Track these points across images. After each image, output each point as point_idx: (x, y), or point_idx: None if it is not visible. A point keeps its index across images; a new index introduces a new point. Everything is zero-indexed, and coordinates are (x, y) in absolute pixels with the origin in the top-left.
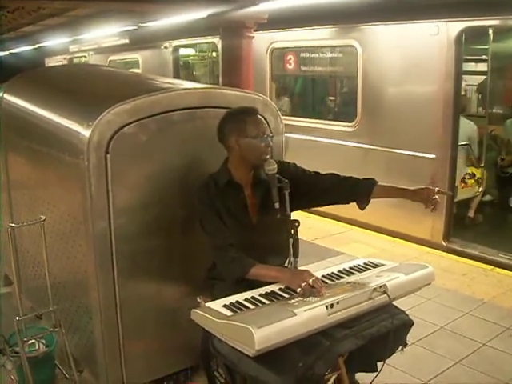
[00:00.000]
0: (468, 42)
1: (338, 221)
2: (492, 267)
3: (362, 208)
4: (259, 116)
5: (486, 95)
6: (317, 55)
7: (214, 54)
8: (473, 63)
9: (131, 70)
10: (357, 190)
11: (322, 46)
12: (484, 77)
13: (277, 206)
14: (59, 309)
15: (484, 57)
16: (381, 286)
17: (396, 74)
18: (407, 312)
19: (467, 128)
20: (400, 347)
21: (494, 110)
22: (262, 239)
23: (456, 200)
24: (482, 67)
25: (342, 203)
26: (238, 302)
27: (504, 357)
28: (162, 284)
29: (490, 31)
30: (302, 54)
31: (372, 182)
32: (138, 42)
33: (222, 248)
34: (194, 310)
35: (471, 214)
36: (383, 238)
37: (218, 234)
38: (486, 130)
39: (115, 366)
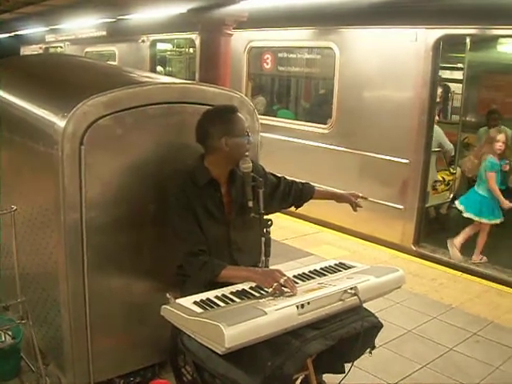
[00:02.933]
0: (445, 50)
1: (309, 222)
2: (461, 273)
3: (297, 208)
4: (240, 114)
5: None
6: (294, 56)
7: (192, 50)
8: (448, 71)
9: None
10: (303, 195)
11: (300, 47)
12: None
13: (250, 204)
14: (27, 300)
15: (460, 65)
16: (352, 288)
17: (373, 78)
18: (376, 315)
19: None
20: (368, 349)
21: (467, 118)
22: (236, 237)
23: (427, 205)
24: (458, 75)
25: (289, 207)
26: (208, 299)
27: (470, 361)
28: (132, 279)
29: (468, 40)
30: (280, 54)
31: (311, 187)
32: (116, 34)
33: (192, 253)
34: (164, 306)
35: (444, 211)
36: (354, 240)
37: (190, 238)
38: (458, 137)
39: (82, 360)
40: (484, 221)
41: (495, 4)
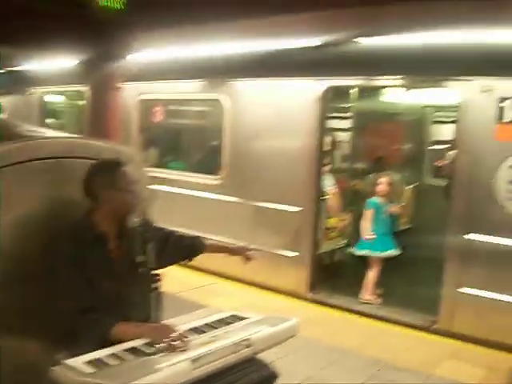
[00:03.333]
0: (333, 100)
1: (206, 273)
2: (356, 316)
3: (189, 261)
4: (127, 168)
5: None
6: (185, 108)
7: (82, 102)
8: (336, 120)
9: None
10: (193, 249)
11: (190, 99)
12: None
13: (140, 258)
14: None
15: (349, 114)
16: (245, 340)
17: (263, 129)
18: (273, 363)
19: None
20: None
21: (356, 165)
22: (127, 293)
23: (320, 252)
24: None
25: (180, 261)
26: (99, 358)
27: None
28: (21, 340)
29: (353, 90)
30: (171, 106)
31: (202, 241)
32: (3, 86)
33: (81, 312)
34: (54, 367)
35: (338, 257)
36: (250, 290)
37: (78, 296)
38: (347, 183)
39: None
40: (378, 254)
41: (377, 56)
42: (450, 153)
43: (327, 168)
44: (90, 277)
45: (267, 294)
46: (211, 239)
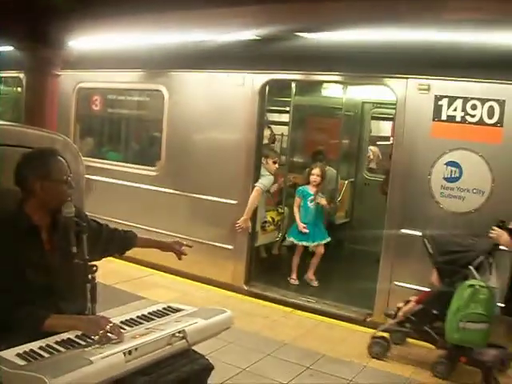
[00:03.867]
0: (273, 94)
1: (140, 265)
2: (292, 309)
3: (121, 255)
4: (60, 157)
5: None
6: (124, 98)
7: (20, 89)
8: (277, 114)
9: None
10: (125, 242)
11: (130, 89)
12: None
13: (74, 250)
14: None
15: (288, 108)
16: (180, 332)
17: (202, 121)
18: (209, 355)
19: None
20: None
21: (295, 159)
22: (60, 284)
23: (256, 245)
24: (286, 118)
25: (112, 254)
26: (32, 350)
27: None
28: None
29: (293, 85)
30: (109, 96)
31: (134, 235)
32: None
33: (13, 304)
34: None
35: (275, 251)
36: (187, 282)
37: (10, 288)
38: (285, 177)
39: None
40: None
41: (317, 51)
42: (371, 147)
43: (274, 166)
44: (22, 269)
45: (203, 287)
46: (148, 230)
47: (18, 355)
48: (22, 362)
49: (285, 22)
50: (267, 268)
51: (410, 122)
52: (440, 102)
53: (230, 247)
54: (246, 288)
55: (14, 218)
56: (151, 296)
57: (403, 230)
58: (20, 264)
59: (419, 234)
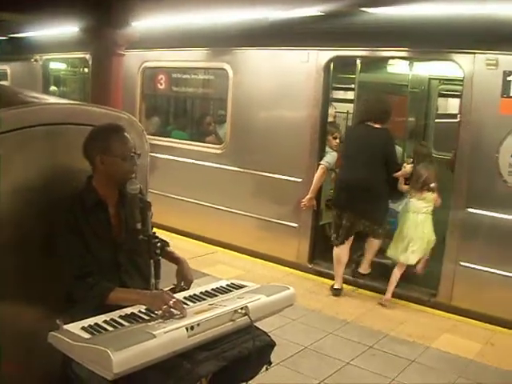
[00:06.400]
0: (338, 71)
1: (204, 242)
2: (354, 288)
3: None
4: (125, 134)
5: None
6: (189, 76)
7: (86, 69)
8: (341, 91)
9: None
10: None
11: (194, 68)
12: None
13: (138, 226)
14: None
15: (353, 86)
16: (242, 308)
17: (266, 99)
18: (272, 333)
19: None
20: (264, 367)
21: None
22: (125, 259)
23: (321, 223)
24: (352, 95)
25: None
26: (96, 324)
27: (366, 374)
28: (19, 306)
29: (358, 61)
30: (174, 75)
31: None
32: (8, 53)
33: (79, 276)
34: (51, 332)
35: None
36: (250, 259)
37: (77, 261)
38: None
39: None
40: None
41: (383, 26)
42: None
43: (334, 141)
44: (89, 241)
45: (267, 264)
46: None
47: (83, 328)
48: (86, 336)
49: None
50: (331, 246)
51: (478, 98)
52: (509, 78)
53: (294, 225)
54: (309, 266)
55: (83, 193)
56: (214, 273)
57: (470, 209)
58: (87, 237)
59: (486, 213)
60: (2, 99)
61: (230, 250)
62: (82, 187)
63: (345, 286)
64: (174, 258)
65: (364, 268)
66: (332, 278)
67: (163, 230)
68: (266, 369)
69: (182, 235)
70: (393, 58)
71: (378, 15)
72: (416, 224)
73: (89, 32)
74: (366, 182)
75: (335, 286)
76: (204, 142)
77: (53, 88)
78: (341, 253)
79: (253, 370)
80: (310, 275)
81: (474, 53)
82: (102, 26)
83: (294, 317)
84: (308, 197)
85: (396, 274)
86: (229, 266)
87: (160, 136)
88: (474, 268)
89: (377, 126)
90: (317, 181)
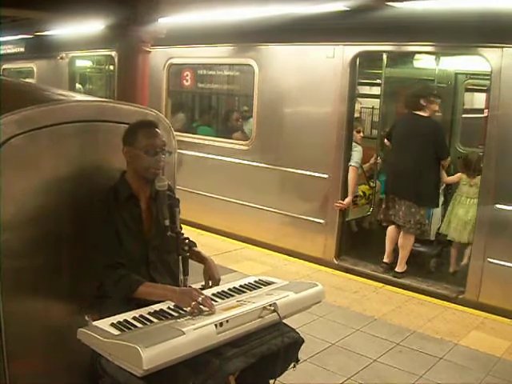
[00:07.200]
0: (364, 67)
1: (231, 238)
2: (382, 285)
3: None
4: (156, 130)
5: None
6: (214, 73)
7: (112, 67)
8: (367, 86)
9: (26, 80)
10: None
11: (220, 64)
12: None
13: (166, 223)
14: None
15: (378, 81)
16: (271, 305)
17: (292, 95)
18: (299, 329)
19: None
20: (292, 364)
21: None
22: (154, 255)
23: (347, 219)
24: (377, 91)
25: None
26: (125, 320)
27: (394, 372)
28: (49, 302)
29: (384, 56)
30: (200, 71)
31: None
32: (34, 50)
33: (110, 266)
34: (80, 329)
35: (366, 225)
36: (277, 255)
37: (109, 251)
38: (377, 151)
39: None
40: None
41: (409, 21)
42: None
43: (358, 135)
44: (121, 235)
45: (293, 261)
46: (238, 203)
47: (112, 325)
48: (116, 332)
49: None
50: (358, 242)
51: (506, 93)
52: None
53: (321, 221)
54: (336, 262)
55: (118, 186)
56: (242, 269)
57: (498, 206)
58: (120, 229)
59: None
60: (31, 97)
61: (257, 246)
62: (117, 180)
63: (373, 282)
64: (200, 258)
65: (401, 267)
66: (358, 274)
67: (190, 226)
68: (294, 366)
69: (208, 232)
70: (419, 52)
71: (404, 9)
72: (467, 208)
73: (114, 29)
74: (416, 167)
75: (383, 260)
76: (230, 138)
77: (78, 86)
78: (390, 230)
79: (281, 367)
80: (337, 271)
81: (502, 47)
82: (128, 23)
83: (321, 313)
84: (348, 199)
85: (453, 253)
86: (256, 263)
87: (185, 132)
88: (502, 264)
89: (424, 114)
90: (352, 182)
